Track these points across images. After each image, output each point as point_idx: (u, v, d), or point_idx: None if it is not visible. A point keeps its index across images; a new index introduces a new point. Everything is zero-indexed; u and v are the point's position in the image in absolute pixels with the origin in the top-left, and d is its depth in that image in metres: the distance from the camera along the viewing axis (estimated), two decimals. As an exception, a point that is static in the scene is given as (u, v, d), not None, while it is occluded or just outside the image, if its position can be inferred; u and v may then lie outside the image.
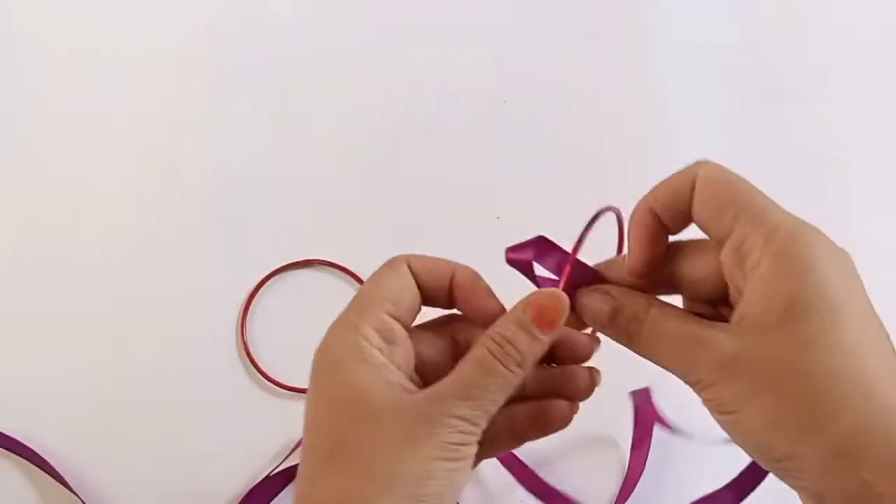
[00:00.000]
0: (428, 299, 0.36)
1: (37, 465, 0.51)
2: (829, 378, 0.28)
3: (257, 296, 0.57)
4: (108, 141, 0.62)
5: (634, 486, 0.51)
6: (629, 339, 0.33)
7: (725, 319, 0.31)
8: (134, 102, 0.63)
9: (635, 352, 0.33)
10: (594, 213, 0.34)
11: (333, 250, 0.58)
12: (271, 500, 0.51)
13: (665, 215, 0.32)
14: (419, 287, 0.35)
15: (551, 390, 0.36)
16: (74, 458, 0.51)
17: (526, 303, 0.33)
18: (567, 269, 0.34)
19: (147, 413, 0.53)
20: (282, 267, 0.57)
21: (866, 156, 0.64)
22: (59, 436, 0.52)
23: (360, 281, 0.57)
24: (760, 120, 0.64)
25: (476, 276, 0.35)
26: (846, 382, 0.28)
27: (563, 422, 0.36)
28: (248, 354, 0.55)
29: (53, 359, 0.55)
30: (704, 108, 0.64)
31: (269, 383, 0.54)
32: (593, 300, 0.34)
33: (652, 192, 0.33)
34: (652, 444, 0.52)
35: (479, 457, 0.35)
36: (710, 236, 0.32)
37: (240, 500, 0.51)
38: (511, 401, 0.34)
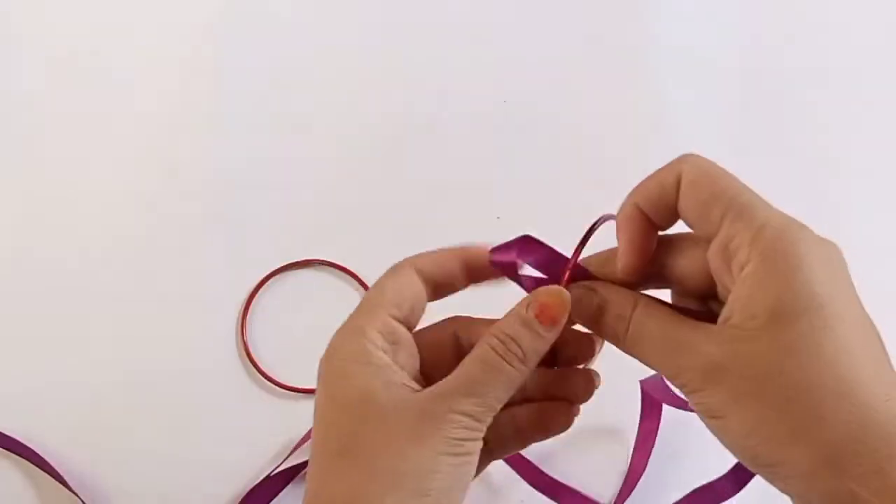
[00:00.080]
0: (443, 291, 0.36)
1: (37, 465, 0.51)
2: (813, 385, 0.28)
3: (257, 296, 0.57)
4: (108, 141, 0.62)
5: (639, 477, 0.52)
6: (615, 338, 0.33)
7: (714, 314, 0.31)
8: (134, 102, 0.63)
9: (623, 351, 0.33)
10: (594, 221, 0.34)
11: (333, 250, 0.58)
12: (271, 500, 0.51)
13: (652, 212, 0.32)
14: (432, 284, 0.35)
15: (551, 393, 0.36)
16: (74, 458, 0.51)
17: (528, 300, 0.33)
18: (567, 270, 0.34)
19: (147, 413, 0.53)
20: (282, 267, 0.57)
21: (866, 156, 0.64)
22: (59, 436, 0.52)
23: (359, 281, 0.57)
24: (760, 120, 0.64)
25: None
26: (831, 390, 0.27)
27: (564, 425, 0.36)
28: (248, 354, 0.55)
29: (53, 359, 0.55)
30: (704, 108, 0.64)
31: (269, 383, 0.54)
32: (578, 297, 0.33)
33: (637, 188, 0.33)
34: (657, 437, 0.52)
35: (486, 458, 0.36)
36: (697, 233, 0.32)
37: (240, 500, 0.51)
38: (514, 403, 0.35)
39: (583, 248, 0.34)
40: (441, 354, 0.36)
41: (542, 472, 0.51)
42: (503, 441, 0.36)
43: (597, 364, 0.37)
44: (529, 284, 0.34)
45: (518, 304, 0.33)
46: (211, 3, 0.67)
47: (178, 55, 0.65)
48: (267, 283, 0.57)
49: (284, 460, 0.51)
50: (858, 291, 0.30)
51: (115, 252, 0.58)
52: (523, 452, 0.52)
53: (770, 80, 0.66)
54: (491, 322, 0.34)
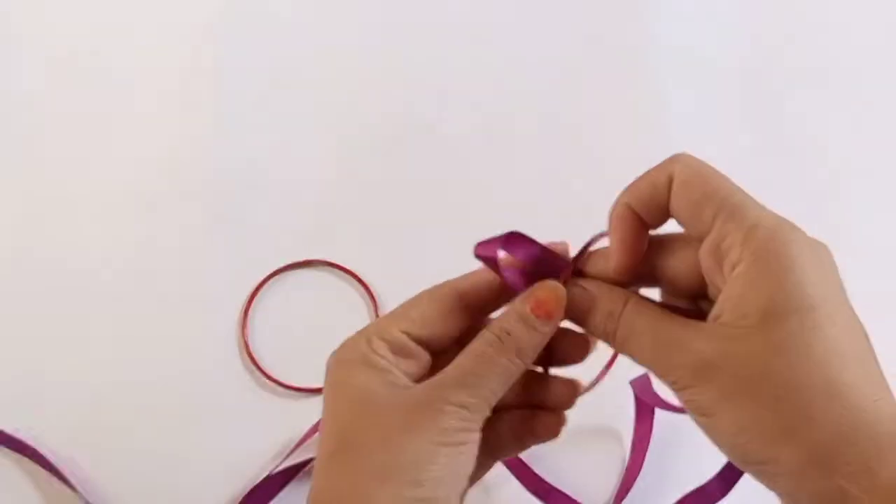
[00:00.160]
0: (488, 311, 0.36)
1: (38, 464, 0.51)
2: (803, 385, 0.28)
3: (257, 296, 0.57)
4: (108, 141, 0.62)
5: (634, 480, 0.52)
6: (605, 336, 0.33)
7: (704, 313, 0.31)
8: (134, 102, 0.63)
9: (614, 349, 0.33)
10: (590, 238, 0.34)
11: (333, 250, 0.58)
12: (271, 500, 0.51)
13: (643, 212, 0.32)
14: (471, 305, 0.35)
15: (535, 400, 0.36)
16: (74, 458, 0.51)
17: (525, 295, 0.33)
18: (562, 271, 0.34)
19: (147, 413, 0.53)
20: (282, 267, 0.57)
21: (866, 156, 0.64)
22: (59, 436, 0.52)
23: (360, 281, 0.57)
24: (760, 120, 0.64)
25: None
26: (820, 390, 0.27)
27: (553, 434, 0.36)
28: (249, 354, 0.55)
29: (53, 359, 0.55)
30: (704, 108, 0.64)
31: (269, 383, 0.54)
32: (569, 296, 0.33)
33: (629, 188, 0.33)
34: (652, 438, 0.52)
35: (488, 459, 0.36)
36: (688, 233, 0.32)
37: (240, 500, 0.51)
38: (512, 406, 0.35)
39: (581, 256, 0.34)
40: None
41: (536, 475, 0.51)
42: (502, 443, 0.36)
43: (592, 365, 0.37)
44: (513, 279, 0.34)
45: (515, 300, 0.34)
46: (211, 3, 0.67)
47: (178, 55, 0.65)
48: (267, 283, 0.57)
49: (284, 460, 0.51)
50: (857, 291, 0.30)
51: (115, 252, 0.58)
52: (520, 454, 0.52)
53: (770, 80, 0.66)
54: None
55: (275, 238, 0.59)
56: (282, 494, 0.51)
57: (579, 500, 0.51)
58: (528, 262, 0.34)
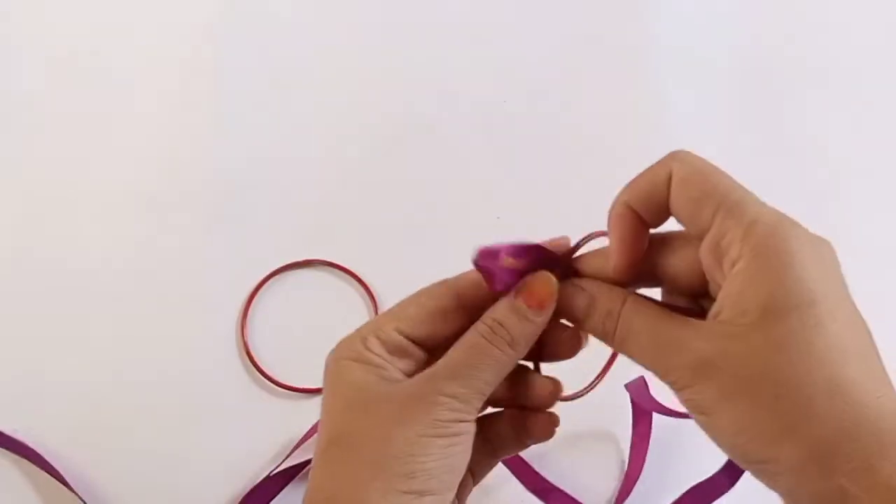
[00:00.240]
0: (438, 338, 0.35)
1: (37, 465, 0.51)
2: (803, 382, 0.27)
3: (257, 296, 0.57)
4: (108, 141, 0.62)
5: (635, 482, 0.52)
6: (604, 335, 0.33)
7: (705, 311, 0.31)
8: (134, 102, 0.63)
9: (613, 349, 0.33)
10: (583, 236, 0.34)
11: (333, 250, 0.58)
12: (271, 500, 0.51)
13: (643, 210, 0.32)
14: (469, 305, 0.35)
15: (519, 397, 0.36)
16: (74, 458, 0.51)
17: (517, 287, 0.33)
18: (557, 264, 0.34)
19: (147, 413, 0.53)
20: (282, 267, 0.57)
21: (866, 156, 0.64)
22: (59, 436, 0.52)
23: (359, 281, 0.57)
24: (760, 120, 0.64)
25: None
26: (822, 387, 0.27)
27: (545, 434, 0.36)
28: (248, 354, 0.55)
29: (53, 359, 0.55)
30: (704, 108, 0.64)
31: (269, 383, 0.54)
32: (567, 295, 0.33)
33: (627, 187, 0.32)
34: (651, 439, 0.52)
35: (489, 458, 0.36)
36: (688, 231, 0.32)
37: (240, 500, 0.51)
38: (510, 404, 0.35)
39: (574, 251, 0.34)
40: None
41: (536, 474, 0.51)
42: (503, 441, 0.36)
43: (593, 366, 0.37)
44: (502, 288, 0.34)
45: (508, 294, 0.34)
46: (211, 3, 0.67)
47: (178, 55, 0.65)
48: (267, 283, 0.57)
49: (284, 460, 0.51)
50: (858, 291, 0.30)
51: (115, 252, 0.58)
52: (521, 454, 0.52)
53: (770, 81, 0.66)
54: None
55: (275, 238, 0.59)
56: (281, 495, 0.51)
57: (580, 500, 0.51)
58: (527, 268, 0.34)
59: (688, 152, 0.31)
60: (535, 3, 0.68)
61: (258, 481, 0.51)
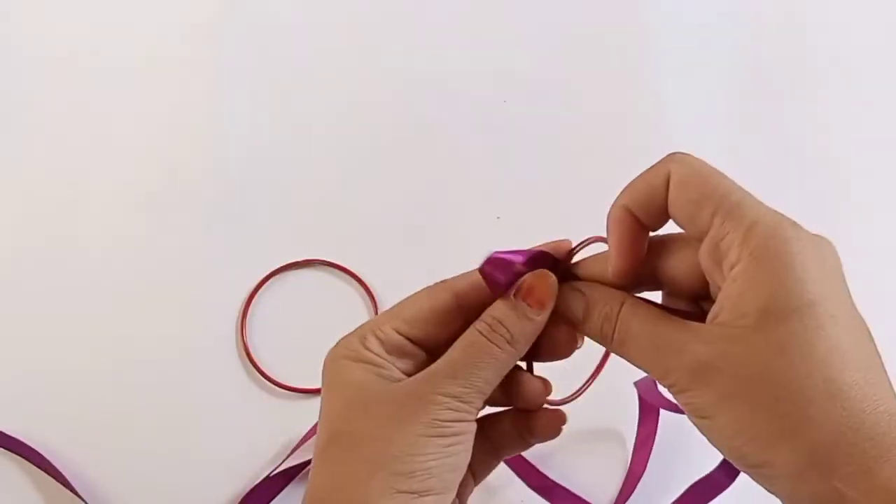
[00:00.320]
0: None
1: (37, 466, 0.51)
2: (803, 385, 0.27)
3: (257, 296, 0.57)
4: (108, 141, 0.62)
5: (638, 480, 0.52)
6: (602, 338, 0.33)
7: (704, 314, 0.31)
8: (134, 102, 0.63)
9: (611, 352, 0.33)
10: (581, 240, 0.34)
11: (333, 250, 0.58)
12: (271, 500, 0.51)
13: (641, 213, 0.32)
14: (467, 305, 0.35)
15: (509, 396, 0.35)
16: (74, 458, 0.51)
17: (516, 286, 0.33)
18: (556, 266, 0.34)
19: (147, 413, 0.53)
20: (282, 267, 0.57)
21: (866, 156, 0.64)
22: (59, 436, 0.52)
23: (359, 281, 0.57)
24: (760, 120, 0.64)
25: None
26: (821, 390, 0.27)
27: (552, 432, 0.36)
28: (248, 354, 0.55)
29: (53, 359, 0.55)
30: (704, 108, 0.64)
31: (269, 383, 0.54)
32: (565, 298, 0.33)
33: (625, 190, 0.32)
34: (656, 438, 0.52)
35: (493, 458, 0.36)
36: (688, 233, 0.32)
37: (240, 500, 0.51)
38: (496, 404, 0.35)
39: (573, 253, 0.34)
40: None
41: (538, 472, 0.51)
42: (505, 440, 0.36)
43: (586, 369, 0.37)
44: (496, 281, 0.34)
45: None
46: (211, 3, 0.67)
47: (178, 55, 0.65)
48: (267, 283, 0.57)
49: (284, 460, 0.51)
50: (858, 291, 0.30)
51: (115, 252, 0.58)
52: (523, 452, 0.52)
53: (770, 81, 0.66)
54: None
55: (275, 238, 0.59)
56: (281, 495, 0.51)
57: (583, 497, 0.51)
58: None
59: (686, 154, 0.31)
60: (536, 3, 0.68)
61: (258, 481, 0.51)
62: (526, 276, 0.33)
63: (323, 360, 0.35)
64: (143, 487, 0.51)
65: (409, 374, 0.34)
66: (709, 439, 0.30)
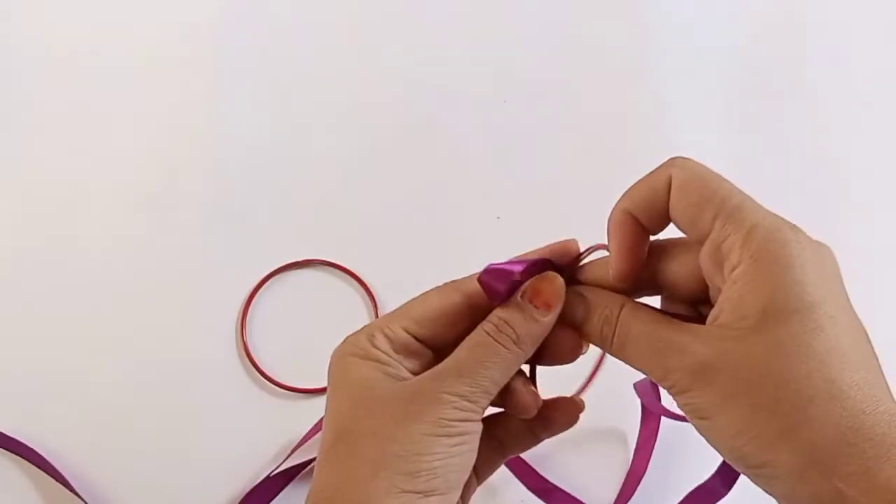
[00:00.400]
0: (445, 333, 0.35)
1: (37, 466, 0.51)
2: (803, 385, 0.27)
3: (257, 296, 0.57)
4: (108, 141, 0.62)
5: (639, 482, 0.51)
6: (602, 341, 0.33)
7: (704, 318, 0.31)
8: (134, 102, 0.63)
9: (611, 355, 0.33)
10: (586, 248, 0.34)
11: (333, 250, 0.58)
12: (271, 500, 0.51)
13: (643, 217, 0.32)
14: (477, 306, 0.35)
15: (500, 399, 0.35)
16: (74, 458, 0.51)
17: (524, 287, 0.33)
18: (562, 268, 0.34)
19: (147, 413, 0.53)
20: (282, 267, 0.57)
21: (866, 156, 0.64)
22: (59, 436, 0.52)
23: (359, 281, 0.57)
24: (760, 120, 0.64)
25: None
26: (820, 390, 0.27)
27: (569, 421, 0.36)
28: (248, 354, 0.55)
29: (53, 359, 0.55)
30: (704, 108, 0.64)
31: (269, 383, 0.54)
32: (566, 302, 0.33)
33: (627, 194, 0.32)
34: (657, 439, 0.52)
35: (499, 456, 0.36)
36: (688, 237, 0.32)
37: (240, 500, 0.51)
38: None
39: (577, 263, 0.34)
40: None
41: (537, 474, 0.51)
42: (513, 438, 0.36)
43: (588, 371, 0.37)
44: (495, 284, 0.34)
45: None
46: (211, 3, 0.67)
47: (178, 55, 0.65)
48: (267, 283, 0.57)
49: (284, 460, 0.51)
50: (858, 291, 0.30)
51: (115, 252, 0.58)
52: (523, 454, 0.52)
53: (770, 81, 0.66)
54: None
55: (275, 238, 0.59)
56: (281, 495, 0.51)
57: (582, 500, 0.51)
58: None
59: (687, 158, 0.31)
60: (536, 3, 0.68)
61: (258, 481, 0.51)
62: (534, 280, 0.33)
63: (323, 359, 0.34)
64: (143, 487, 0.51)
65: (416, 374, 0.34)
66: (708, 440, 0.30)
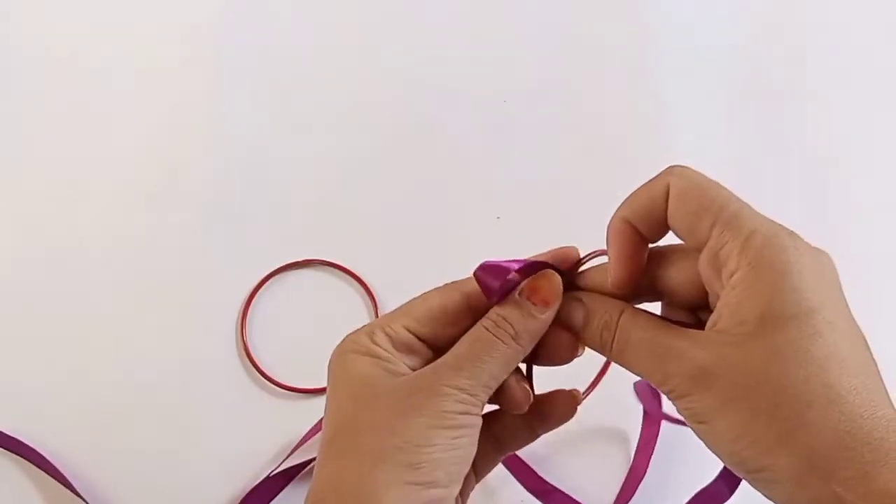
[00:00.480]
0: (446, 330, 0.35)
1: (37, 466, 0.51)
2: (801, 390, 0.28)
3: (257, 296, 0.57)
4: (108, 141, 0.62)
5: (639, 483, 0.51)
6: (602, 347, 0.33)
7: (703, 324, 0.31)
8: (134, 102, 0.63)
9: (611, 360, 0.33)
10: (586, 254, 0.34)
11: (333, 250, 0.58)
12: (271, 500, 0.51)
13: (641, 225, 0.32)
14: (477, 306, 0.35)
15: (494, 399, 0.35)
16: (74, 458, 0.51)
17: (522, 284, 0.34)
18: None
19: (147, 413, 0.53)
20: (282, 267, 0.57)
21: (866, 156, 0.64)
22: (59, 436, 0.52)
23: (359, 281, 0.57)
24: (760, 120, 0.64)
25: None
26: (819, 395, 0.27)
27: (567, 415, 0.36)
28: (248, 354, 0.55)
29: (53, 359, 0.55)
30: (704, 108, 0.64)
31: (269, 383, 0.54)
32: (565, 307, 0.34)
33: (625, 203, 0.33)
34: (657, 440, 0.52)
35: (497, 453, 0.36)
36: (687, 244, 0.32)
37: (240, 500, 0.51)
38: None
39: (577, 269, 0.34)
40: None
41: (536, 475, 0.51)
42: (510, 434, 0.36)
43: (584, 373, 0.37)
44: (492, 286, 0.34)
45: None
46: (211, 3, 0.67)
47: (178, 55, 0.65)
48: (267, 283, 0.57)
49: (284, 460, 0.51)
50: (857, 293, 0.30)
51: (115, 252, 0.58)
52: (521, 455, 0.52)
53: (770, 81, 0.66)
54: None
55: (275, 238, 0.59)
56: (281, 495, 0.51)
57: (581, 501, 0.51)
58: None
59: (685, 167, 0.32)
60: (536, 3, 0.68)
61: (258, 481, 0.51)
62: (532, 277, 0.34)
63: (323, 359, 0.35)
64: (143, 487, 0.51)
65: (413, 368, 0.34)
66: (708, 445, 0.30)
